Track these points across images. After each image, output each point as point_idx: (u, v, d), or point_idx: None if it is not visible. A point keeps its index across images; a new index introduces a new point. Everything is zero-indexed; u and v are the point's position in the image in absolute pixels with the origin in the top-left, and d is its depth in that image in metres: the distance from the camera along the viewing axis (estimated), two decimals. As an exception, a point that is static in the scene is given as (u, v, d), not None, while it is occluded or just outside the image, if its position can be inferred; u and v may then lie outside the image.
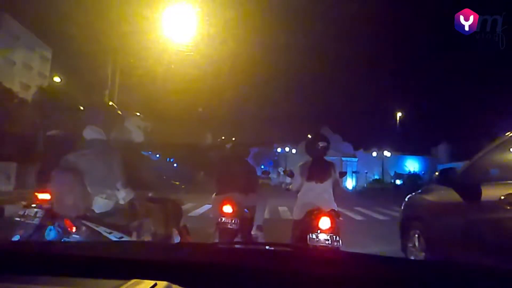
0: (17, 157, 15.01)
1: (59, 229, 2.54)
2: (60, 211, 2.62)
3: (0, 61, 33.13)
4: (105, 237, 2.57)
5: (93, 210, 2.63)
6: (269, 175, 28.79)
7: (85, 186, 2.57)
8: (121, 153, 2.81)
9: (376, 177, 50.46)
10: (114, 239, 2.56)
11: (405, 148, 50.47)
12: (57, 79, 27.08)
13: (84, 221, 2.58)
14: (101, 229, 2.57)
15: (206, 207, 10.31)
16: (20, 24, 35.47)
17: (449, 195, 3.38)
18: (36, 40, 38.81)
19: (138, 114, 3.37)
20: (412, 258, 3.95)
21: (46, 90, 23.29)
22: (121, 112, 3.09)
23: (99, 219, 2.61)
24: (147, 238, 2.84)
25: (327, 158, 4.00)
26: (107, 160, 2.72)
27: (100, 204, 2.65)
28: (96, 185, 2.62)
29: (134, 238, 2.70)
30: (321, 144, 3.91)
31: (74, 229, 2.58)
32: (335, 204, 3.81)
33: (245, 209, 4.43)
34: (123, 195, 2.71)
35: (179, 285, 0.89)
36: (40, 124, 17.51)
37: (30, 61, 38.61)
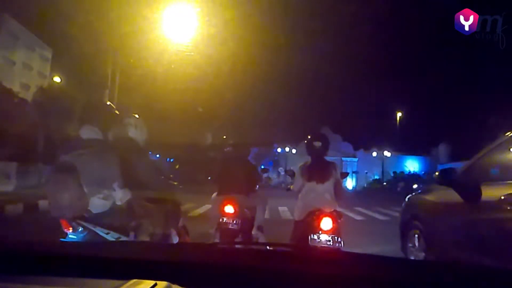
0: (17, 157, 14.99)
1: None
2: (56, 211, 2.61)
3: (0, 61, 33.09)
4: (103, 237, 2.55)
5: (90, 211, 2.60)
6: (268, 174, 28.69)
7: (81, 186, 2.54)
8: (119, 153, 2.79)
9: (376, 177, 50.40)
10: (112, 239, 2.55)
11: (405, 148, 50.42)
12: (57, 79, 27.05)
13: (80, 222, 2.56)
14: (98, 230, 2.55)
15: (206, 207, 10.30)
16: (20, 24, 35.40)
17: (449, 195, 3.38)
18: (36, 40, 38.72)
19: (136, 115, 3.34)
20: (412, 258, 3.95)
21: (46, 90, 23.27)
22: (118, 111, 3.08)
23: (96, 219, 2.58)
24: (145, 238, 2.82)
25: (327, 158, 3.99)
26: (104, 160, 2.69)
27: (97, 204, 2.62)
28: (92, 185, 2.60)
29: (131, 239, 2.69)
30: (317, 144, 3.89)
31: (70, 230, 2.58)
32: (337, 205, 3.80)
33: (245, 209, 4.43)
34: (120, 196, 2.69)
35: (179, 285, 0.89)
36: (40, 124, 17.52)
37: (30, 61, 38.52)
